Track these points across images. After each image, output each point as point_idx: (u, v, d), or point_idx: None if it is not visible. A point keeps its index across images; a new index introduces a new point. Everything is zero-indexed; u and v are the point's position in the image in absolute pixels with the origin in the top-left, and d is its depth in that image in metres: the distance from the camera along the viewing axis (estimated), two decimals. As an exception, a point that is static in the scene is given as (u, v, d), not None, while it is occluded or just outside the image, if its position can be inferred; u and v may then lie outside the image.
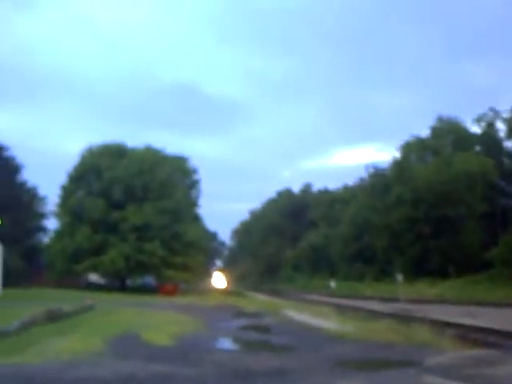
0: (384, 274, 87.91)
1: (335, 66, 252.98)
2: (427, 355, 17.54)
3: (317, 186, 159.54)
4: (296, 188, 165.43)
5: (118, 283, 80.00)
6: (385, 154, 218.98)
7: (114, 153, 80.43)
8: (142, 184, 76.25)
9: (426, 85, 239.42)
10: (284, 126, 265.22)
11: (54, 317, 26.27)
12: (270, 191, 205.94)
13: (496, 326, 27.36)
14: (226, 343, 23.82)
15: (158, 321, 30.09)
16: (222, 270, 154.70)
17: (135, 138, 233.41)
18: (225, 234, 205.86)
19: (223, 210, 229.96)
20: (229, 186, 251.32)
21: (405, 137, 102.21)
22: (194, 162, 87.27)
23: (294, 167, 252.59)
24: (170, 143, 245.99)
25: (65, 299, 39.38)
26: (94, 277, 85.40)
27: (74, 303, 34.26)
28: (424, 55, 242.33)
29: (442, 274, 77.00)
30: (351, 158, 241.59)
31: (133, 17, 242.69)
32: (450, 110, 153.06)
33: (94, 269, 76.93)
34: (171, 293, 70.00)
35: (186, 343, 21.24)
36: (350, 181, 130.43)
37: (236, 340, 25.05)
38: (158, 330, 24.87)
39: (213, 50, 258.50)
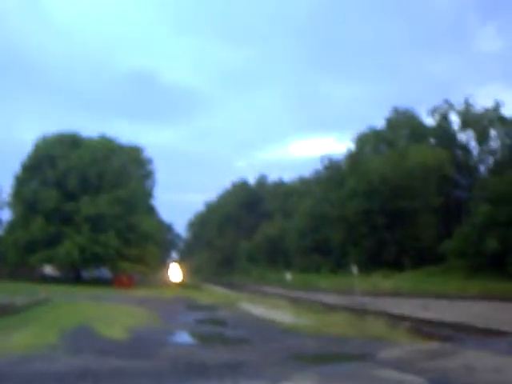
0: (340, 266, 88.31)
1: (293, 57, 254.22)
2: (381, 348, 17.72)
3: (272, 176, 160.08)
4: (252, 179, 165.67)
5: (72, 275, 79.21)
6: (342, 145, 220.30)
7: (68, 142, 79.40)
8: (96, 174, 75.42)
9: (383, 76, 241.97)
10: (241, 116, 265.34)
11: (6, 311, 25.95)
12: (226, 182, 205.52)
13: (448, 319, 27.76)
14: (181, 337, 23.81)
15: (113, 314, 29.94)
16: (177, 262, 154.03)
17: (91, 126, 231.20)
18: (180, 226, 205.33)
19: (179, 201, 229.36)
20: (185, 176, 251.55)
21: (362, 128, 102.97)
22: (149, 152, 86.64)
23: (250, 158, 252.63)
24: (126, 132, 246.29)
25: (18, 292, 38.93)
26: (48, 269, 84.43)
27: (28, 296, 33.90)
28: (382, 47, 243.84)
29: (397, 265, 77.68)
30: (308, 148, 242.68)
31: (90, 3, 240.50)
32: (406, 102, 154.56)
33: (49, 261, 76.02)
34: (126, 285, 69.57)
35: (140, 337, 21.20)
36: (306, 172, 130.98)
37: (191, 333, 25.04)
38: (112, 323, 24.75)
39: (170, 38, 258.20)
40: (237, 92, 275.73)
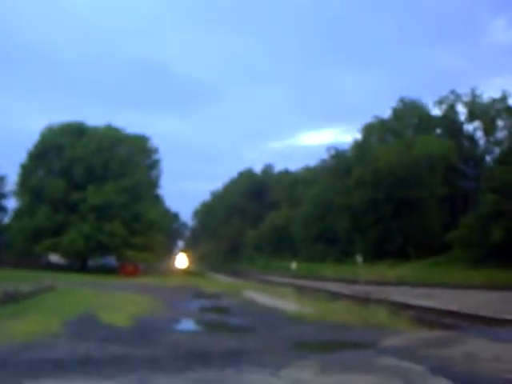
0: (345, 255, 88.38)
1: (301, 48, 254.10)
2: (383, 337, 17.71)
3: (279, 167, 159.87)
4: (258, 169, 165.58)
5: (78, 264, 79.46)
6: (348, 136, 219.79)
7: (75, 132, 79.63)
8: (101, 163, 75.66)
9: (390, 67, 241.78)
10: (249, 107, 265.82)
11: (11, 298, 26.02)
12: (233, 172, 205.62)
13: (452, 307, 27.76)
14: (185, 324, 23.86)
15: (117, 302, 29.98)
16: (183, 250, 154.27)
17: (99, 116, 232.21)
18: (187, 215, 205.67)
19: (186, 190, 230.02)
20: (193, 166, 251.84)
21: (368, 119, 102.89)
22: (155, 142, 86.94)
23: (257, 148, 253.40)
24: (134, 122, 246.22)
25: (24, 280, 39.03)
26: (54, 257, 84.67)
27: (33, 284, 33.97)
28: (388, 38, 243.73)
29: (402, 255, 77.75)
30: (315, 139, 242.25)
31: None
32: (413, 93, 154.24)
33: (55, 249, 76.28)
34: (132, 273, 69.85)
35: (143, 324, 21.23)
36: (313, 163, 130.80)
37: (195, 321, 25.11)
38: (116, 310, 24.79)
39: (180, 29, 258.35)
40: (246, 82, 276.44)
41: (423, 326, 21.97)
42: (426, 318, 24.84)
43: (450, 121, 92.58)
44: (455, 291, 42.13)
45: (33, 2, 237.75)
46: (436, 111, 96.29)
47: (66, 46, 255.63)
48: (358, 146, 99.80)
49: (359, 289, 44.08)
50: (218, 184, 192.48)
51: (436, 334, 19.20)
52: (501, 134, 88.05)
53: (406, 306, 28.67)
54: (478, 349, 14.31)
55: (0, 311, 22.22)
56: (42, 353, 13.85)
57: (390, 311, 24.04)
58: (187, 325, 23.83)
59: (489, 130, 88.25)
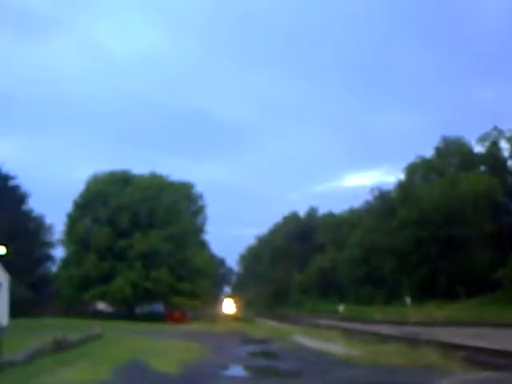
0: (393, 296, 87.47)
1: (342, 90, 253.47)
2: (435, 378, 17.47)
3: (323, 209, 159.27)
4: (302, 212, 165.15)
5: (125, 311, 79.67)
6: (392, 177, 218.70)
7: (120, 180, 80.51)
8: (147, 211, 76.27)
9: (431, 106, 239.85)
10: (291, 150, 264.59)
11: (61, 346, 26.20)
12: (277, 215, 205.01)
13: (505, 347, 27.20)
14: (234, 370, 23.72)
15: (166, 348, 29.99)
16: (230, 296, 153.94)
17: (142, 163, 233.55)
18: (233, 260, 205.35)
19: (231, 235, 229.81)
20: (237, 211, 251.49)
21: (411, 159, 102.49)
22: (199, 188, 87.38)
23: (300, 191, 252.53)
24: (177, 168, 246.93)
25: (73, 328, 39.30)
26: (101, 305, 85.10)
27: (82, 332, 34.18)
28: (430, 77, 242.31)
29: (450, 295, 76.67)
30: (359, 181, 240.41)
31: (142, 42, 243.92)
32: (455, 131, 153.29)
33: (102, 297, 76.73)
34: (180, 320, 69.85)
35: (192, 371, 21.18)
36: (357, 204, 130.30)
37: (243, 367, 24.97)
38: (165, 357, 24.79)
39: (219, 74, 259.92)
40: (285, 126, 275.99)
41: (475, 366, 21.53)
42: (478, 358, 24.34)
43: (493, 157, 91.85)
44: (506, 330, 41.40)
45: (75, 60, 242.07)
46: (479, 148, 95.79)
47: (109, 95, 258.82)
48: (401, 186, 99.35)
49: (408, 330, 43.53)
50: (262, 228, 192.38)
51: (489, 374, 18.84)
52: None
53: (457, 347, 28.17)
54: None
55: (50, 359, 22.36)
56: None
57: (440, 352, 23.66)
58: (236, 371, 23.70)
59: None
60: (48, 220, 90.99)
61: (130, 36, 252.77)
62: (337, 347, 29.88)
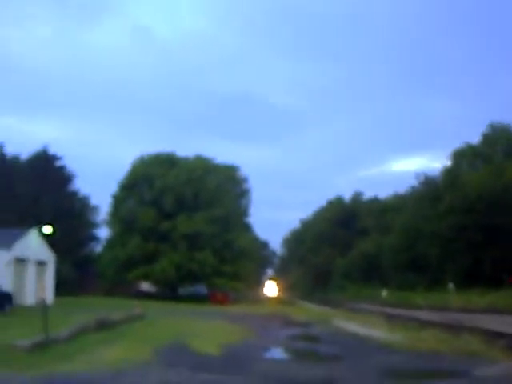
0: (436, 283, 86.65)
1: (389, 75, 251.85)
2: (477, 366, 17.27)
3: (368, 194, 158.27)
4: (347, 196, 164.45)
5: (168, 292, 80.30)
6: (438, 163, 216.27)
7: (165, 162, 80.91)
8: (192, 193, 76.53)
9: (479, 92, 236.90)
10: (337, 135, 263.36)
11: (103, 325, 26.50)
12: (322, 200, 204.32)
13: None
14: (274, 353, 23.76)
15: (208, 330, 30.10)
16: (273, 278, 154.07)
17: (187, 147, 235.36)
18: (276, 243, 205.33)
19: (276, 218, 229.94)
20: (281, 194, 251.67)
21: (457, 145, 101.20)
22: (244, 171, 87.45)
23: (347, 176, 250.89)
24: (221, 152, 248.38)
25: (116, 307, 39.70)
26: (145, 285, 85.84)
27: (125, 311, 34.50)
28: (479, 64, 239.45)
29: (494, 282, 75.81)
30: (404, 166, 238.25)
31: (188, 28, 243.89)
32: (503, 117, 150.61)
33: (145, 277, 77.48)
34: (222, 301, 70.24)
35: (233, 352, 21.24)
36: (402, 190, 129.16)
37: (284, 349, 25.00)
38: (206, 338, 24.88)
39: (266, 59, 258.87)
40: (332, 111, 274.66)
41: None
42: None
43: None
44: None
45: (126, 44, 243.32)
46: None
47: (158, 80, 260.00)
48: (447, 172, 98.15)
49: (450, 317, 43.15)
50: (307, 212, 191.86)
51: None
52: None
53: (500, 334, 27.83)
54: None
55: (93, 338, 22.62)
56: (135, 380, 14.00)
57: (482, 339, 23.40)
58: (277, 353, 23.75)
59: None
60: (93, 201, 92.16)
61: (179, 21, 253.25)
62: (378, 332, 29.75)
